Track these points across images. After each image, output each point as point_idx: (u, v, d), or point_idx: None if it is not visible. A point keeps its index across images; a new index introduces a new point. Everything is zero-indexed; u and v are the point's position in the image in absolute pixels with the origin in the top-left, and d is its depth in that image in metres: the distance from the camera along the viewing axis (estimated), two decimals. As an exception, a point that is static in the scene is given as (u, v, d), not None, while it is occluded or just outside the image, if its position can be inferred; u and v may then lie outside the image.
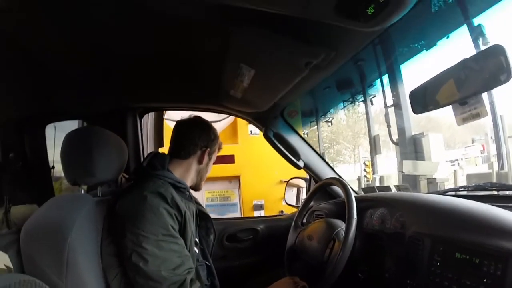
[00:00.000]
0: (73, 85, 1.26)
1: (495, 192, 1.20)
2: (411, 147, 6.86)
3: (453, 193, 1.33)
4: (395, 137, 7.18)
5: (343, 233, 1.11)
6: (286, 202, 2.03)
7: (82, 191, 1.14)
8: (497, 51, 0.76)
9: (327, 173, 1.74)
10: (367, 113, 9.28)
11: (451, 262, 0.83)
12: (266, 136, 1.69)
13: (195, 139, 1.23)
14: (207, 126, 1.28)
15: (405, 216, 1.09)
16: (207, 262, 1.28)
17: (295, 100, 1.51)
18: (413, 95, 1.04)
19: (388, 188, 1.96)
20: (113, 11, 0.82)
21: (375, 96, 8.64)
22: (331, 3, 0.66)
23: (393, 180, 7.94)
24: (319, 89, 7.96)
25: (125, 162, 1.19)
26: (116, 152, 1.14)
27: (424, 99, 1.01)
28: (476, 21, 5.02)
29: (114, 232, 1.01)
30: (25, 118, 1.40)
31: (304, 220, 1.53)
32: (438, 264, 0.87)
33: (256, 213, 3.43)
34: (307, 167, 1.74)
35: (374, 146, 8.82)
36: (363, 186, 9.91)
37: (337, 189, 1.58)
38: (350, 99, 9.84)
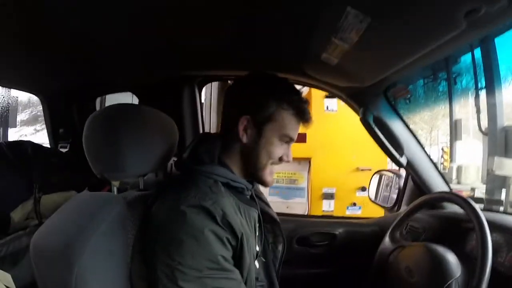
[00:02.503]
0: (121, 54, 1.09)
1: None
2: (501, 140, 5.98)
3: None
4: (483, 125, 6.30)
5: None
6: (372, 200, 1.71)
7: (115, 190, 0.90)
8: None
9: (434, 180, 1.34)
10: (449, 93, 8.29)
11: None
12: (363, 120, 1.30)
13: (233, 105, 0.88)
14: (258, 81, 0.89)
15: None
16: (269, 283, 1.00)
17: (412, 74, 1.16)
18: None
19: (499, 203, 1.54)
20: None
21: (459, 74, 7.63)
22: None
23: (472, 174, 7.10)
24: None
25: (174, 147, 0.92)
26: (160, 136, 0.87)
27: None
28: None
29: (145, 250, 0.74)
30: (73, 91, 1.28)
31: (404, 231, 1.24)
32: None
33: (325, 202, 3.09)
34: (410, 167, 1.33)
35: (454, 131, 7.95)
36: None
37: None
38: (432, 76, 8.84)
